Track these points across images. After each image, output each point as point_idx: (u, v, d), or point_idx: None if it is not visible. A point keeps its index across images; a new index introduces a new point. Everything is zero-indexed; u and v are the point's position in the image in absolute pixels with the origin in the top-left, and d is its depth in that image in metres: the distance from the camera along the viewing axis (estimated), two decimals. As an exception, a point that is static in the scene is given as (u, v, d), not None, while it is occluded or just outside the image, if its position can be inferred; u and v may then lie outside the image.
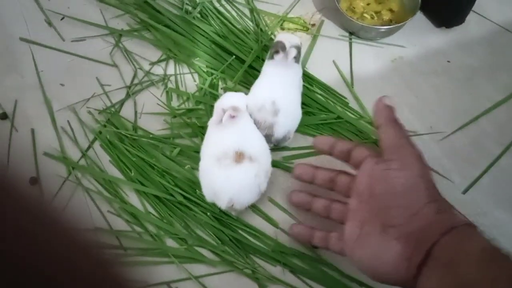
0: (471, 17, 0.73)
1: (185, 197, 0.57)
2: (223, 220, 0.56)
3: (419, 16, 0.74)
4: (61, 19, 0.75)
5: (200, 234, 0.55)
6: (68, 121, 0.64)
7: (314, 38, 0.73)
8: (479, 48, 0.72)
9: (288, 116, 0.58)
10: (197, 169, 0.56)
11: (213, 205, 0.55)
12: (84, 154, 0.61)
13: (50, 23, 0.74)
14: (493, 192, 0.58)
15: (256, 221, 0.57)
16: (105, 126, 0.63)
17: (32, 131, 0.63)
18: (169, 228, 0.55)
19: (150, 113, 0.65)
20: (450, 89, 0.68)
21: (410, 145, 0.44)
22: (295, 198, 0.54)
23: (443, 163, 0.61)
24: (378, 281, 0.44)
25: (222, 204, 0.53)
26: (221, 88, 0.67)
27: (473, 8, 0.72)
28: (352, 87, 0.67)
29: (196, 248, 0.55)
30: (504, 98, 0.66)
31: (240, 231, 0.56)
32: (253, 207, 0.57)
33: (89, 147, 0.62)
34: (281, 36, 0.62)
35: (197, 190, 0.57)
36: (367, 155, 0.46)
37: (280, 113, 0.57)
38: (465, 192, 0.59)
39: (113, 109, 0.65)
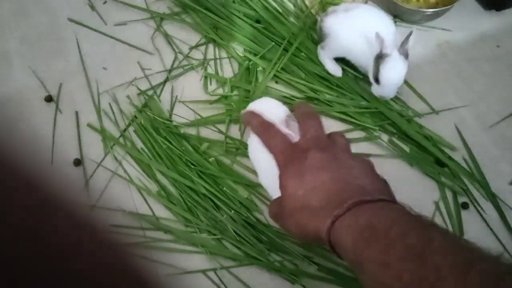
0: (523, -1, 0.70)
1: (208, 190, 0.57)
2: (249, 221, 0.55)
3: (468, -2, 0.71)
4: (104, 3, 0.76)
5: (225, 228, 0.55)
6: (109, 103, 0.65)
7: (356, 21, 0.71)
8: (531, 32, 0.68)
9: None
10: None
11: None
12: (122, 134, 0.62)
13: (92, 7, 0.75)
14: (544, 184, 0.56)
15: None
16: (140, 111, 0.64)
17: (76, 113, 0.65)
18: (195, 220, 0.55)
19: (184, 101, 0.65)
20: (499, 75, 0.65)
21: None
22: None
23: (491, 151, 0.58)
24: None
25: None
26: (258, 69, 0.67)
27: (525, -10, 0.69)
28: (396, 72, 0.65)
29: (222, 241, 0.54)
30: (558, 84, 0.63)
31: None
32: None
33: (125, 129, 0.63)
34: None
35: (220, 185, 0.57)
36: None
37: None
38: (512, 183, 0.56)
39: (152, 91, 0.66)
